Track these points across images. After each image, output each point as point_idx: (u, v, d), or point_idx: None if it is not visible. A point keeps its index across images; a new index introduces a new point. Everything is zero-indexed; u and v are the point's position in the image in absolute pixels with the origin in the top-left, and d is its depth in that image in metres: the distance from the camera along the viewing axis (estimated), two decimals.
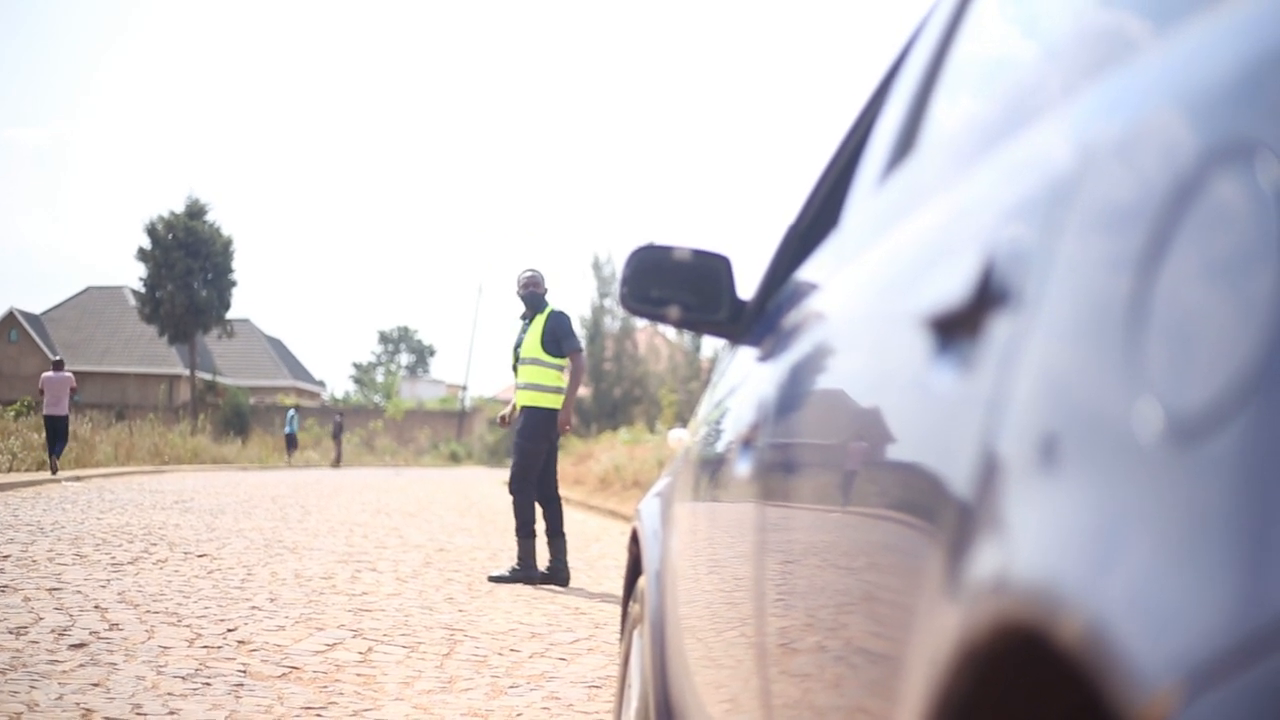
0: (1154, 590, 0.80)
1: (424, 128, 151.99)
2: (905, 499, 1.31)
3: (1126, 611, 0.81)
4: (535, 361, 9.88)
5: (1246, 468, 0.77)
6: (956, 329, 1.22)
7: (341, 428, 51.49)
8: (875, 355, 1.54)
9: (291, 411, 49.16)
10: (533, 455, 9.91)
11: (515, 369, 10.02)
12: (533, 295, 10.09)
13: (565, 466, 28.47)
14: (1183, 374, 0.84)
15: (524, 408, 9.88)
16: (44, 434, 23.24)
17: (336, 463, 48.60)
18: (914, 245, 1.48)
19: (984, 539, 1.05)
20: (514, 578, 9.64)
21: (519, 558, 9.80)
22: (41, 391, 23.02)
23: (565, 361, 9.99)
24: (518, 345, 10.05)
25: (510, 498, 9.98)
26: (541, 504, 10.01)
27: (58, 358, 24.29)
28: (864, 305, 1.65)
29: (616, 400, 52.60)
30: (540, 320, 9.98)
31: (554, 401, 9.89)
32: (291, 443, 47.45)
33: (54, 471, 22.41)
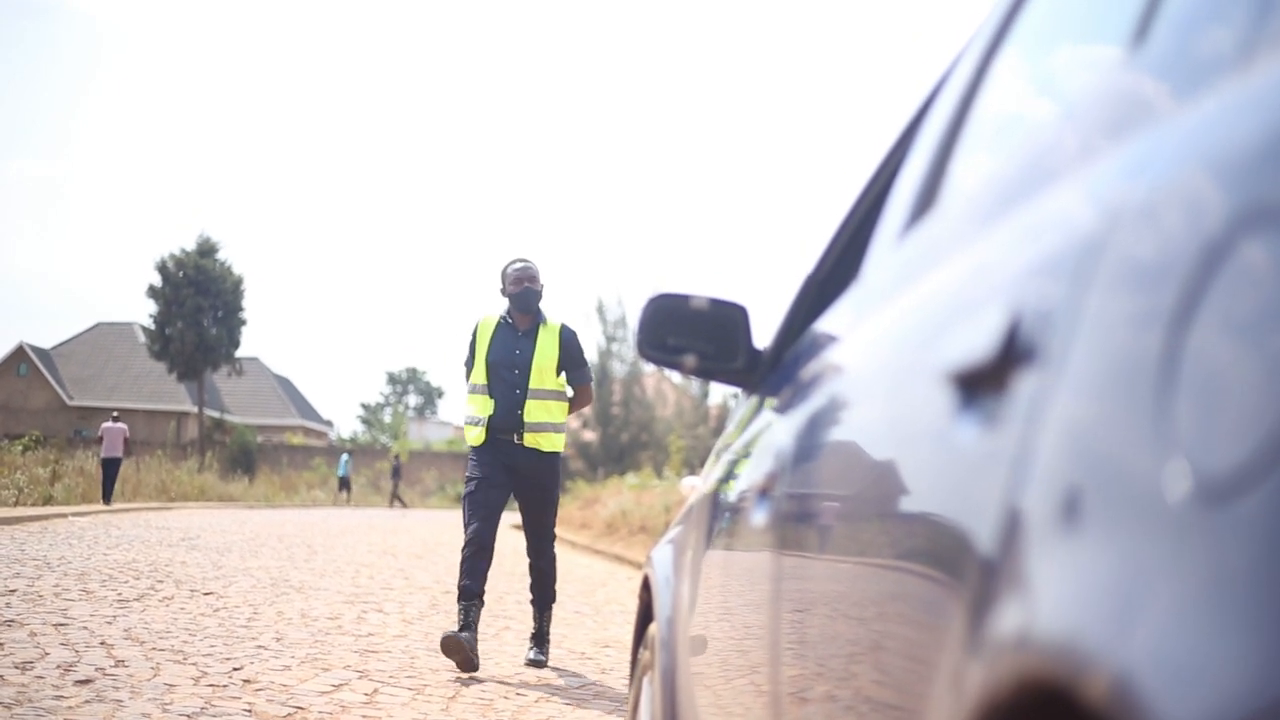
0: (1179, 650, 0.80)
1: (434, 169, 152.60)
2: (925, 553, 1.31)
3: (1151, 671, 0.81)
4: (552, 395, 7.64)
5: (1273, 528, 0.77)
6: (980, 384, 1.23)
7: (399, 470, 53.67)
8: (898, 409, 1.54)
9: (345, 456, 52.85)
10: (557, 506, 8.02)
11: (499, 391, 7.59)
12: (532, 295, 7.64)
13: (572, 510, 28.40)
14: (1209, 434, 0.85)
15: (546, 453, 7.64)
16: (100, 473, 28.27)
17: (393, 503, 51.47)
18: (938, 300, 1.49)
19: (1006, 595, 1.06)
20: (546, 653, 7.76)
21: (544, 631, 7.84)
22: (100, 439, 28.17)
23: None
24: (509, 365, 7.62)
25: (538, 562, 7.90)
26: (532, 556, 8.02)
27: (115, 413, 30.27)
28: (886, 358, 1.66)
29: (624, 445, 52.54)
30: (552, 339, 7.68)
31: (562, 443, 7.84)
32: (344, 485, 51.11)
33: (108, 502, 26.95)
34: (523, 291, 7.61)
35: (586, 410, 57.43)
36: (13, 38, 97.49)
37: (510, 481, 7.62)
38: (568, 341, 7.71)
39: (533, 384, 7.57)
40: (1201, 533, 0.83)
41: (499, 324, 7.73)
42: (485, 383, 7.62)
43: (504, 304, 7.77)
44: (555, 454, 7.69)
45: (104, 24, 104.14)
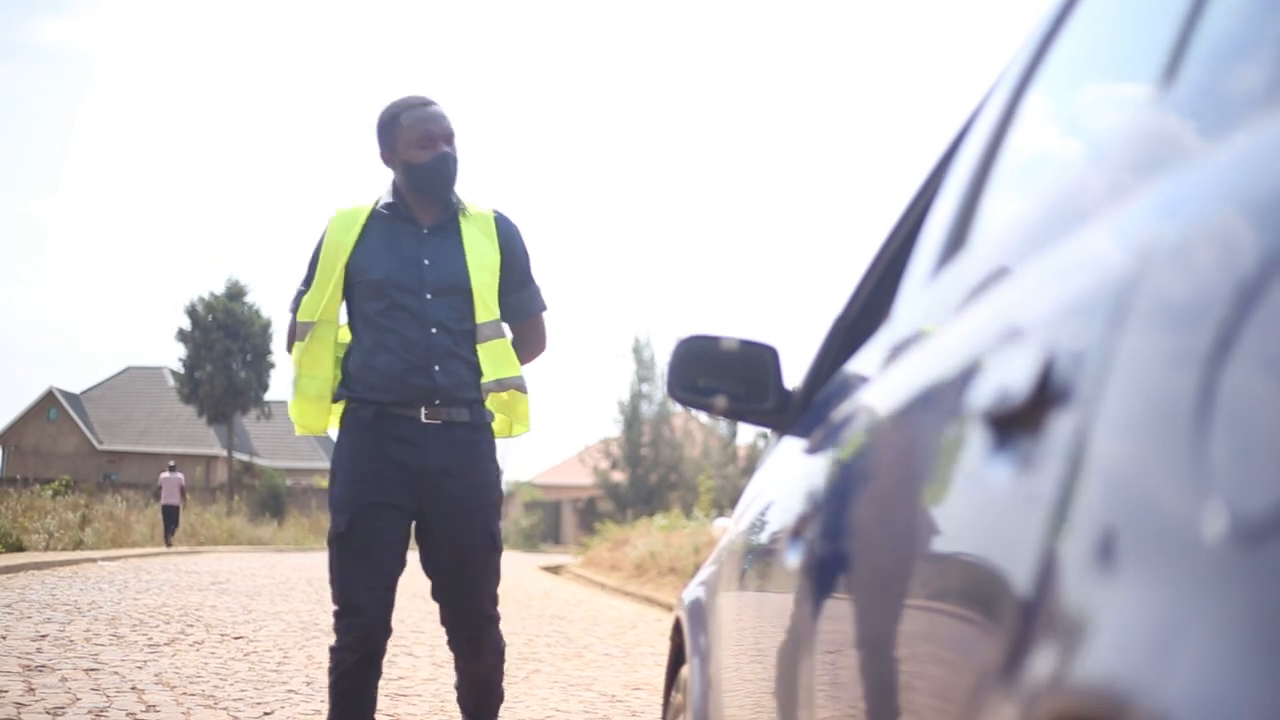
0: (1219, 693, 0.80)
1: None
2: (961, 595, 1.31)
3: (1190, 715, 0.81)
4: (499, 332, 4.25)
5: None
6: (1014, 425, 1.23)
7: None
8: (930, 450, 1.54)
9: None
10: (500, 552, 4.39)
11: (396, 333, 4.08)
12: (452, 164, 4.20)
13: (601, 552, 28.32)
14: (1246, 473, 0.85)
15: (482, 429, 4.22)
16: (161, 518, 31.56)
17: None
18: (970, 340, 1.48)
19: (1044, 638, 1.05)
20: None
21: None
22: (160, 487, 31.58)
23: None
24: (416, 285, 4.12)
25: (473, 665, 4.54)
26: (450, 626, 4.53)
27: (172, 463, 34.51)
28: (918, 398, 1.66)
29: (653, 486, 52.54)
30: (487, 235, 4.26)
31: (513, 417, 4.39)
32: None
33: (169, 545, 30.05)
34: (438, 159, 4.17)
35: (615, 450, 57.39)
36: (34, 82, 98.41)
37: (411, 504, 4.18)
38: (510, 240, 4.31)
39: (478, 317, 4.17)
40: (1240, 573, 0.82)
41: (375, 218, 4.27)
42: (373, 317, 4.14)
43: (382, 184, 4.39)
44: (491, 438, 4.27)
45: (132, 68, 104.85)
